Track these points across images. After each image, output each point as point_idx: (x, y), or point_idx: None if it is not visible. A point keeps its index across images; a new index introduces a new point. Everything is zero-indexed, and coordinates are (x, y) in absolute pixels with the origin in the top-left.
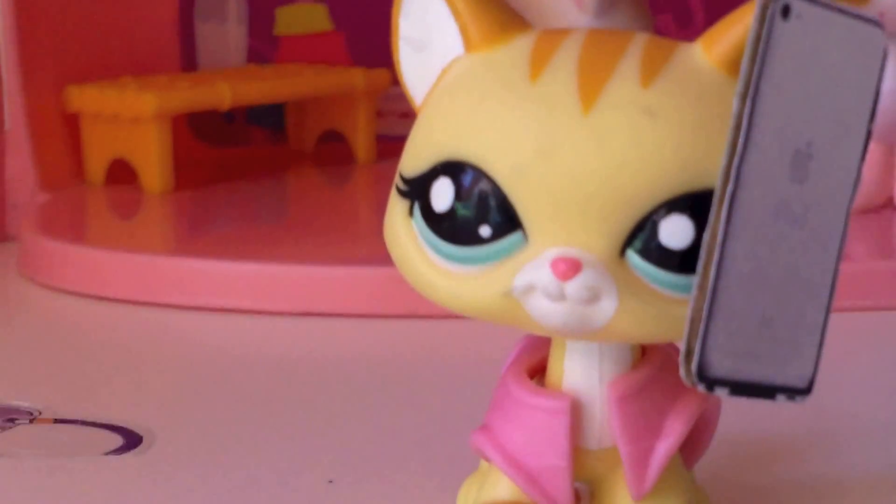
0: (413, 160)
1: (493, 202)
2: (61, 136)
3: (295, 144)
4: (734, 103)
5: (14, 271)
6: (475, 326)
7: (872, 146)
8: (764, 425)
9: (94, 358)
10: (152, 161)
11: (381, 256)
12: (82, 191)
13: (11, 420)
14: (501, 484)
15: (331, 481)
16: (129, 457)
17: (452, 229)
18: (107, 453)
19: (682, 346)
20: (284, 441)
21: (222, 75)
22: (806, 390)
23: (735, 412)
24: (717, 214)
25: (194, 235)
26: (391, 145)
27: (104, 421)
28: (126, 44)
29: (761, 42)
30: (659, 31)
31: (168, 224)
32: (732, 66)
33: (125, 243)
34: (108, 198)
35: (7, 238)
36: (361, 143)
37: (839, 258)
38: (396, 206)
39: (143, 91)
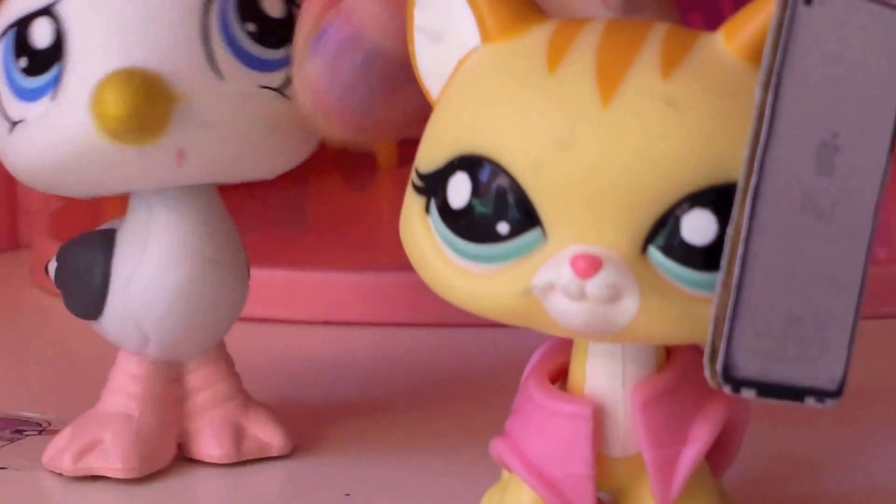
0: (429, 155)
1: (511, 198)
2: None
3: (315, 149)
4: (756, 93)
5: (27, 279)
6: (497, 335)
7: None
8: (796, 432)
9: (106, 368)
10: None
11: (402, 263)
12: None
13: (20, 431)
14: (523, 493)
15: (348, 494)
16: None
17: (470, 226)
18: None
19: (706, 347)
20: (301, 453)
21: None
22: (836, 393)
23: (766, 418)
24: (741, 208)
25: None
26: (414, 150)
27: None
28: None
29: (783, 29)
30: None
31: None
32: (755, 55)
33: None
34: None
35: (20, 245)
36: (383, 147)
37: (869, 254)
38: (413, 203)
39: None
